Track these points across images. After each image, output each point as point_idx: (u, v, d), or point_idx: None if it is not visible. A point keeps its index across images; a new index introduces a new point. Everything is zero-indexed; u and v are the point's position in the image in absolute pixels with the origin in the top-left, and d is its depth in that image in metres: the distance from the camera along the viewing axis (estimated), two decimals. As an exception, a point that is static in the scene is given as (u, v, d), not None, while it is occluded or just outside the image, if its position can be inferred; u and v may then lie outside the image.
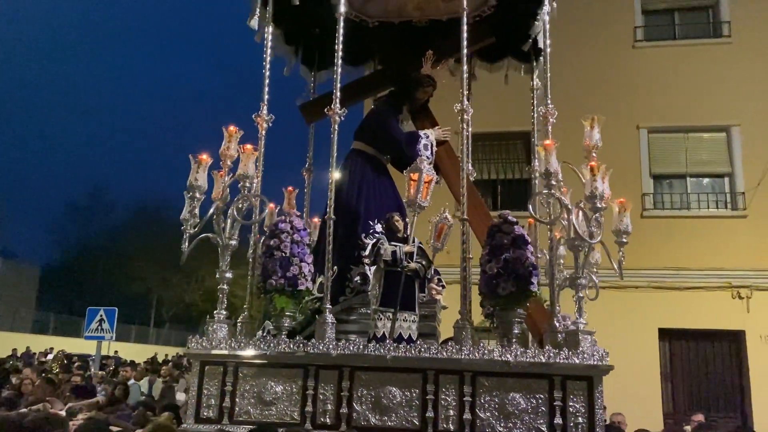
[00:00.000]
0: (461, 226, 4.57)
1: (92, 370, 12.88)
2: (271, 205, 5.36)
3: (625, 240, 4.41)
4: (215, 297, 4.75)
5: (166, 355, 27.71)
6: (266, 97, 5.06)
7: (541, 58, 6.01)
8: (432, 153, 5.40)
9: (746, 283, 11.42)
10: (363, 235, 5.10)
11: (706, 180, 12.51)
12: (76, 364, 16.32)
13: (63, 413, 5.98)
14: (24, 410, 5.51)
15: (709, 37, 13.00)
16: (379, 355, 4.19)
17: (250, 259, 4.93)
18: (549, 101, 4.75)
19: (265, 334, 4.76)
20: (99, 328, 12.72)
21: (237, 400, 4.34)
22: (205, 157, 4.50)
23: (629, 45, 12.79)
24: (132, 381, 11.87)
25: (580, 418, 4.01)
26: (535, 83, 6.00)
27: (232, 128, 4.83)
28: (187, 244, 4.74)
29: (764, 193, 11.53)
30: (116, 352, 24.23)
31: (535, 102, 6.01)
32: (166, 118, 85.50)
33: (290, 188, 6.02)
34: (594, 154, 4.41)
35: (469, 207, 4.87)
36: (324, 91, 6.61)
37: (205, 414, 4.34)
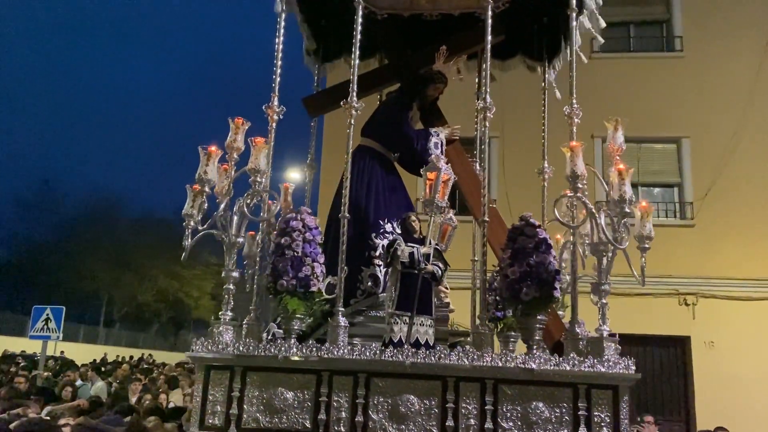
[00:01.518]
0: (481, 229, 4.42)
1: (38, 370, 12.35)
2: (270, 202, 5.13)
3: (647, 245, 4.31)
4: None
5: (117, 356, 26.94)
6: (277, 87, 4.81)
7: (556, 58, 5.96)
8: (442, 151, 5.24)
9: (692, 291, 11.93)
10: (373, 234, 4.91)
11: (656, 189, 12.96)
12: (21, 364, 15.67)
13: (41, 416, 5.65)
14: (3, 415, 5.16)
15: (663, 50, 13.60)
16: (398, 362, 4.00)
17: (258, 258, 4.67)
18: (575, 100, 4.61)
19: (270, 337, 4.54)
20: (45, 327, 12.21)
21: (245, 406, 4.11)
22: (215, 149, 4.26)
23: (586, 56, 12.94)
24: (80, 382, 11.46)
25: (605, 429, 3.89)
26: (547, 83, 5.91)
27: (238, 120, 4.59)
28: (189, 240, 4.49)
29: (711, 204, 11.97)
30: (62, 352, 23.48)
31: (546, 101, 5.91)
32: (116, 114, 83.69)
33: (287, 184, 5.80)
34: (618, 157, 4.31)
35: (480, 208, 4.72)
36: (325, 84, 6.45)
37: (211, 421, 4.11)
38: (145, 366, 20.48)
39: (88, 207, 46.31)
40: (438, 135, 5.26)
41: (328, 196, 5.84)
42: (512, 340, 5.04)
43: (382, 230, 4.93)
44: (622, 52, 13.41)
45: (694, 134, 12.40)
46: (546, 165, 5.80)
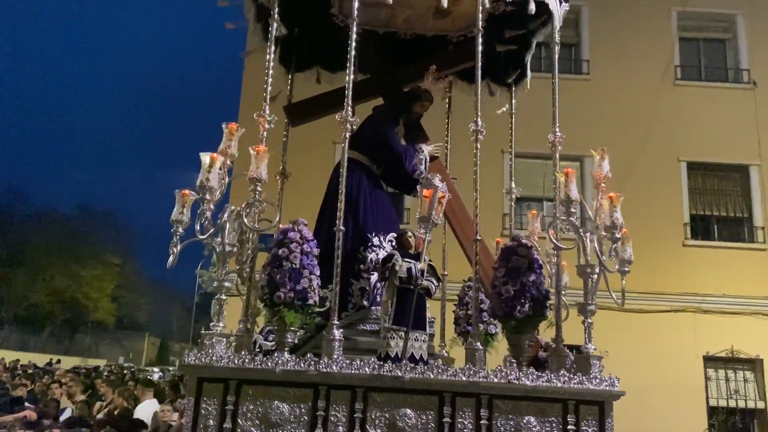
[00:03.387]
0: (474, 248, 4.54)
1: None
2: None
3: (627, 269, 4.56)
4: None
5: (2, 359, 25.23)
6: (268, 96, 4.75)
7: (523, 82, 6.21)
8: (426, 168, 5.34)
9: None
10: (362, 248, 4.93)
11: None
12: None
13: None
14: None
15: (571, 72, 14.45)
16: (397, 376, 4.05)
17: (247, 269, 4.58)
18: (557, 129, 4.83)
19: (257, 349, 4.47)
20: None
21: (239, 420, 4.03)
22: (216, 156, 4.16)
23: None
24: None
25: (592, 442, 4.09)
26: (513, 108, 6.14)
27: (232, 125, 4.52)
28: (177, 248, 4.36)
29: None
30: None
31: (513, 126, 6.14)
32: (13, 104, 78.55)
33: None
34: (604, 185, 4.56)
35: (462, 222, 4.88)
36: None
37: (203, 436, 3.98)
38: (31, 371, 19.39)
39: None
40: (423, 151, 5.36)
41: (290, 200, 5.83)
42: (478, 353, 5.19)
43: (370, 243, 4.96)
44: (534, 72, 14.04)
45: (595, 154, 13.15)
46: (513, 185, 6.00)
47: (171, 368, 44.56)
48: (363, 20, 5.93)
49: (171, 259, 4.45)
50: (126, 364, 41.56)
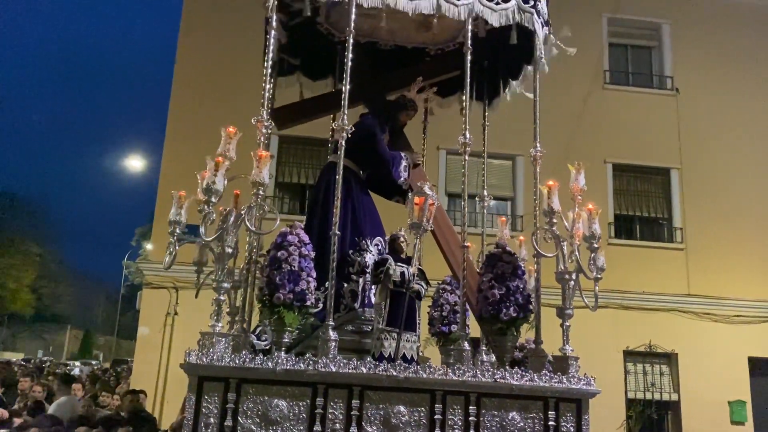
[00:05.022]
0: (463, 254, 4.79)
1: None
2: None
3: (600, 276, 4.91)
4: None
5: None
6: (266, 102, 4.85)
7: (496, 99, 6.50)
8: (409, 175, 5.56)
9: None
10: (351, 251, 5.09)
11: (493, 202, 14.06)
12: None
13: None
14: None
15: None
16: (392, 375, 4.25)
17: (244, 271, 4.67)
18: (538, 144, 5.14)
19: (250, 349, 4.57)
20: None
21: (240, 418, 4.14)
22: (221, 159, 4.24)
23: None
24: None
25: (569, 436, 4.42)
26: (485, 120, 6.43)
27: (231, 129, 4.59)
28: (175, 248, 4.43)
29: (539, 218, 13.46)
30: None
31: (486, 139, 6.42)
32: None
33: (237, 191, 5.79)
34: (579, 197, 4.89)
35: (443, 228, 5.14)
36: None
37: (203, 433, 4.07)
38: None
39: None
40: (407, 159, 5.58)
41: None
42: (452, 353, 5.46)
43: (358, 247, 5.13)
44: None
45: (526, 153, 13.61)
46: (485, 192, 6.27)
47: (94, 362, 43.18)
48: (347, 29, 6.10)
49: (167, 259, 4.50)
50: (45, 358, 40.05)
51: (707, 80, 15.37)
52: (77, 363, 37.92)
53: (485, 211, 6.14)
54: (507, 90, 6.25)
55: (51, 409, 7.65)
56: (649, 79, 16.07)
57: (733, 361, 13.87)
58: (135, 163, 36.09)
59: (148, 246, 18.06)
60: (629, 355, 14.02)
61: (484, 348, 5.37)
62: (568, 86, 14.36)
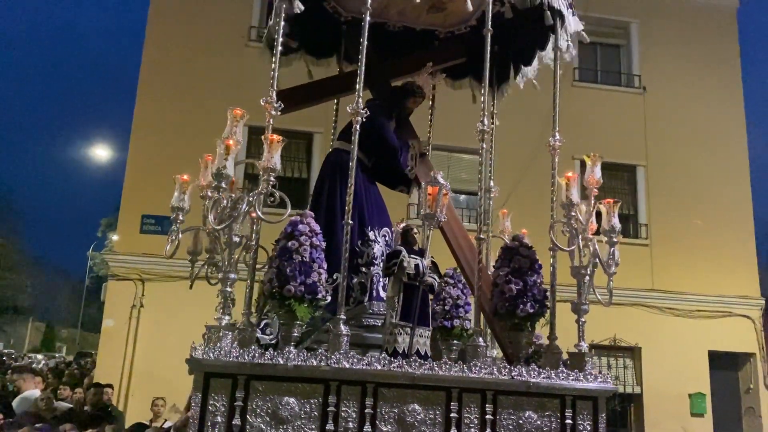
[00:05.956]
0: (478, 246, 4.63)
1: None
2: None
3: (614, 270, 4.79)
4: None
5: None
6: (275, 82, 4.60)
7: (504, 84, 6.34)
8: (416, 164, 5.37)
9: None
10: (359, 242, 4.89)
11: (462, 197, 14.13)
12: None
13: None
14: None
15: None
16: (407, 372, 4.08)
17: (250, 261, 4.43)
18: (557, 133, 4.99)
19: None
20: None
21: (248, 417, 3.92)
22: (232, 143, 4.00)
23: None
24: None
25: (586, 436, 4.31)
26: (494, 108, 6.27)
27: (238, 111, 4.34)
28: (178, 235, 4.19)
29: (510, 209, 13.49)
30: None
31: (494, 127, 6.26)
32: None
33: (233, 179, 5.55)
34: (596, 190, 4.77)
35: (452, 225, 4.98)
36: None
37: (211, 432, 3.85)
38: None
39: None
40: (414, 148, 5.39)
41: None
42: (454, 348, 5.31)
43: (366, 238, 4.94)
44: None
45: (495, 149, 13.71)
46: (492, 184, 6.14)
47: (57, 355, 42.05)
48: (354, 8, 5.87)
49: (168, 247, 4.27)
50: (6, 351, 38.90)
51: (673, 79, 15.54)
52: (39, 356, 36.90)
53: (491, 203, 6.01)
54: (520, 76, 6.05)
55: (15, 403, 7.32)
56: (617, 78, 16.21)
57: (693, 354, 14.20)
58: (101, 153, 35.31)
59: (114, 237, 17.53)
60: (594, 348, 14.10)
61: (488, 343, 5.24)
62: (539, 83, 14.26)
